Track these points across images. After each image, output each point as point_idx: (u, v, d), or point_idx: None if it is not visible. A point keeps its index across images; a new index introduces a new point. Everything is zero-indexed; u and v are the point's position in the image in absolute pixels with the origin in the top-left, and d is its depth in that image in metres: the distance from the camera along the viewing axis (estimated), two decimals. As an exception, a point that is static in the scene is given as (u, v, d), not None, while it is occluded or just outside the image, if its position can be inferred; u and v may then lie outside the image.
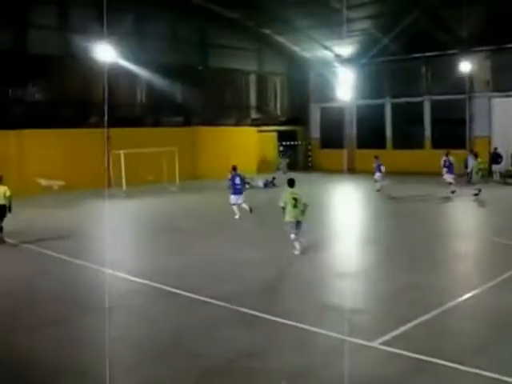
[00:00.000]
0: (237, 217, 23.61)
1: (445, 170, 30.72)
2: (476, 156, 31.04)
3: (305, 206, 16.29)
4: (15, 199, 20.34)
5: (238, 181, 23.91)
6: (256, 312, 11.65)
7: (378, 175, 32.14)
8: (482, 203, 27.55)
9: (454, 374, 8.78)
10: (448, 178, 30.18)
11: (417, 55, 41.24)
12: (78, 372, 9.30)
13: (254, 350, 9.86)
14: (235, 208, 23.78)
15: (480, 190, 28.74)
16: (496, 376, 8.48)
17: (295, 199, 16.16)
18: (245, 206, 23.77)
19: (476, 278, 14.59)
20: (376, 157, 33.65)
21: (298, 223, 16.37)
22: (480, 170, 29.57)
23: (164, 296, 13.28)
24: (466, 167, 34.83)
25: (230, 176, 24.33)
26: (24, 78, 35.06)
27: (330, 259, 17.19)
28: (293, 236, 16.47)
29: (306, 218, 16.59)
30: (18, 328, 11.35)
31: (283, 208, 16.31)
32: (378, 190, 31.70)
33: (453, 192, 29.28)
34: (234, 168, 24.38)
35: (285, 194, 16.46)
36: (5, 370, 9.41)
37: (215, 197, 30.22)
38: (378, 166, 32.17)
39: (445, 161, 31.02)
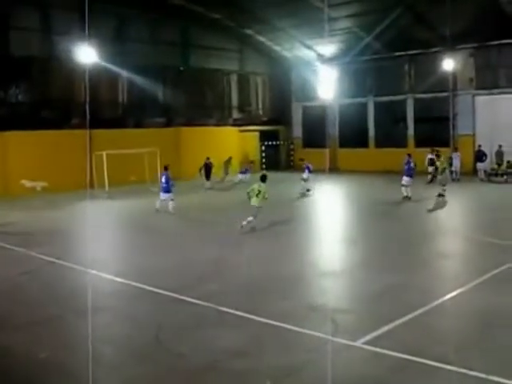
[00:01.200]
0: (157, 208, 25.40)
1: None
2: (438, 156, 30.22)
3: (264, 197, 20.41)
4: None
5: (163, 180, 25.39)
6: (240, 312, 11.58)
7: (306, 174, 31.66)
8: (466, 202, 27.62)
9: (438, 373, 8.75)
10: (404, 180, 27.85)
11: (400, 53, 41.24)
12: (62, 372, 9.26)
13: (238, 350, 9.80)
14: (158, 202, 25.50)
15: (443, 194, 26.97)
16: (481, 375, 8.46)
17: (259, 191, 20.43)
18: (170, 206, 25.06)
19: (460, 277, 14.55)
20: (302, 159, 34.10)
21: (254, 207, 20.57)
22: (444, 169, 28.54)
23: (147, 296, 13.19)
24: (451, 165, 34.70)
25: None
26: (6, 80, 34.82)
27: (313, 258, 17.21)
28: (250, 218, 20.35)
29: (260, 204, 20.41)
30: (1, 328, 11.27)
31: (248, 193, 20.68)
32: (308, 190, 31.00)
33: (405, 197, 27.49)
34: (165, 168, 26.02)
35: (254, 186, 20.93)
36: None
37: (196, 197, 30.15)
38: (307, 166, 31.69)
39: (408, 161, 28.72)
